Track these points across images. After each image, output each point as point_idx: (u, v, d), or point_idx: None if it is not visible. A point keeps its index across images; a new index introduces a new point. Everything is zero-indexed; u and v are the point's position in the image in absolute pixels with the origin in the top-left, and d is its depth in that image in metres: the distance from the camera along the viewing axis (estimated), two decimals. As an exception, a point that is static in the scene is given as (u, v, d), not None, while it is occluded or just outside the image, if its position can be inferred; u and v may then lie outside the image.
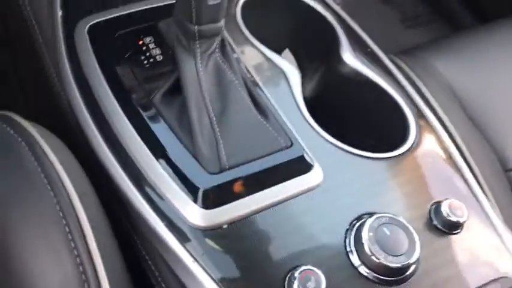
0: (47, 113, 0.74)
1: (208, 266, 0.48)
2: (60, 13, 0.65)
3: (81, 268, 0.48)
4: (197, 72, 0.56)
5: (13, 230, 0.50)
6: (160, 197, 0.52)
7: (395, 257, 0.49)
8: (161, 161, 0.53)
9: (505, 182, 0.82)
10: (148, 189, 0.52)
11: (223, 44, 0.59)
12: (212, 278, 0.48)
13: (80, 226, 0.50)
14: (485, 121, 0.81)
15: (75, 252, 0.49)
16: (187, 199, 0.51)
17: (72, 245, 0.49)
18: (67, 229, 0.49)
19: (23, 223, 0.50)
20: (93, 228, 0.50)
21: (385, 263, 0.49)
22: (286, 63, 0.65)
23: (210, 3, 0.52)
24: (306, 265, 0.48)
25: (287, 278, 0.48)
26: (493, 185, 0.76)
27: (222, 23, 0.56)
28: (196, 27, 0.54)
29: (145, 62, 0.60)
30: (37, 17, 0.69)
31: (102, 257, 0.49)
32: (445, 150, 0.65)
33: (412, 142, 0.62)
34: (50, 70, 0.68)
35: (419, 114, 0.67)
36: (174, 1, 0.62)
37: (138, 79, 0.59)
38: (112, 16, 0.63)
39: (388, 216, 0.52)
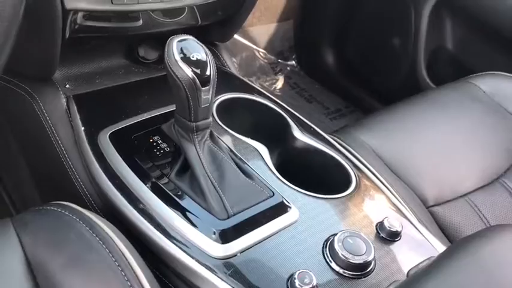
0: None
1: (233, 282, 0.67)
2: (82, 128, 0.87)
3: None
4: (198, 155, 0.78)
5: (82, 282, 0.66)
6: (188, 242, 0.71)
7: (359, 256, 0.71)
8: (184, 216, 0.73)
9: (429, 216, 1.06)
10: (177, 239, 0.71)
11: (211, 134, 0.82)
12: (237, 290, 0.67)
13: (134, 273, 0.67)
14: (404, 171, 1.07)
15: None
16: (208, 240, 0.70)
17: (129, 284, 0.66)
18: (123, 273, 0.66)
19: (89, 277, 0.66)
20: (143, 272, 0.67)
21: (353, 261, 0.70)
22: (256, 143, 0.90)
23: (202, 106, 0.77)
24: (300, 269, 0.68)
25: (289, 279, 0.68)
26: (419, 217, 1.00)
27: (210, 119, 0.79)
28: (193, 123, 0.77)
29: (158, 153, 0.82)
30: (57, 130, 0.89)
31: None
32: (378, 190, 0.89)
33: (354, 186, 0.86)
34: (71, 171, 0.87)
35: (356, 169, 0.92)
36: (169, 110, 0.87)
37: (155, 165, 0.80)
38: (126, 125, 0.86)
39: (349, 231, 0.74)
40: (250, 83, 1.10)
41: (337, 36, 1.92)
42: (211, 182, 0.76)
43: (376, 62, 1.83)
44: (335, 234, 0.74)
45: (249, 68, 1.98)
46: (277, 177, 0.83)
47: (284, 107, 1.01)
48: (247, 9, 1.09)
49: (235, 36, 1.72)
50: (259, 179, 0.81)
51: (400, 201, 0.90)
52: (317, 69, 2.05)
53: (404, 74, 1.73)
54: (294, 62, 2.09)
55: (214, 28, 1.11)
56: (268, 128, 0.96)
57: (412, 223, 0.83)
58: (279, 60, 2.07)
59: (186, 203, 0.75)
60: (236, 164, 0.81)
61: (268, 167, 0.85)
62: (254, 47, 2.01)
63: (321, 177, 0.92)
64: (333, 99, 2.00)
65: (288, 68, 2.08)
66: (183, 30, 0.95)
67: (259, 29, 1.98)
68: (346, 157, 0.94)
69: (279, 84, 2.02)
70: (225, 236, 0.71)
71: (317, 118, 1.91)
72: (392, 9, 1.73)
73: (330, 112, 1.96)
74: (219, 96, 0.96)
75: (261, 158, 0.86)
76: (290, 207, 0.78)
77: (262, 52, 2.03)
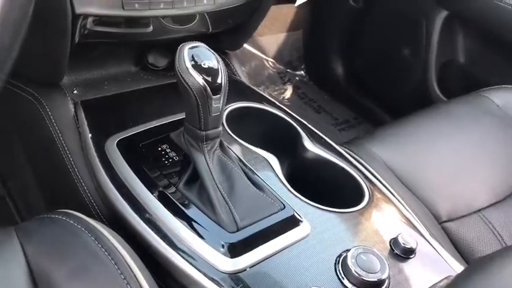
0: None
1: (242, 298, 0.65)
2: (90, 135, 0.85)
3: None
4: (207, 165, 0.76)
5: None
6: (196, 255, 0.68)
7: (373, 274, 0.68)
8: (192, 228, 0.71)
9: (442, 231, 1.04)
10: (185, 251, 0.69)
11: (221, 143, 0.80)
12: (246, 306, 0.64)
13: (139, 285, 0.64)
14: (416, 185, 1.05)
15: None
16: (217, 253, 0.68)
17: None
18: (128, 286, 0.64)
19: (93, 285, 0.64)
20: (149, 285, 0.65)
21: (366, 279, 0.68)
22: (266, 153, 0.87)
23: (213, 115, 0.75)
24: (311, 286, 0.66)
25: (300, 297, 0.65)
26: (432, 233, 0.97)
27: (220, 128, 0.77)
28: (203, 132, 0.75)
29: (166, 162, 0.80)
30: (64, 137, 0.87)
31: None
32: (391, 204, 0.87)
33: (367, 200, 0.84)
34: (77, 178, 0.85)
35: (368, 181, 0.89)
36: (178, 118, 0.85)
37: (163, 175, 0.78)
38: (134, 132, 0.84)
39: (363, 247, 0.71)
40: (261, 92, 1.08)
41: (347, 47, 1.90)
42: (221, 193, 0.74)
43: (386, 73, 1.81)
44: (348, 250, 0.71)
45: (257, 77, 1.96)
46: (288, 189, 0.81)
47: (295, 117, 0.99)
48: (258, 18, 1.08)
49: (245, 45, 1.71)
50: (269, 190, 0.78)
51: (413, 217, 0.87)
52: (326, 80, 2.03)
53: (415, 86, 1.71)
54: (302, 72, 2.07)
55: (225, 36, 1.10)
56: (279, 138, 0.94)
57: (426, 239, 0.80)
58: (288, 70, 2.06)
59: (194, 214, 0.73)
60: (246, 174, 0.79)
61: (279, 178, 0.82)
62: (263, 56, 2.00)
63: (332, 189, 0.89)
64: (342, 110, 1.98)
65: (297, 78, 2.07)
66: (193, 38, 0.94)
67: (269, 39, 1.97)
68: (358, 169, 0.91)
69: (287, 94, 2.01)
70: (234, 250, 0.69)
71: (325, 128, 1.89)
72: (403, 21, 1.71)
73: (338, 123, 1.94)
74: (229, 105, 0.94)
75: (271, 169, 0.84)
76: (301, 221, 0.75)
77: (271, 61, 2.02)
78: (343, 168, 0.89)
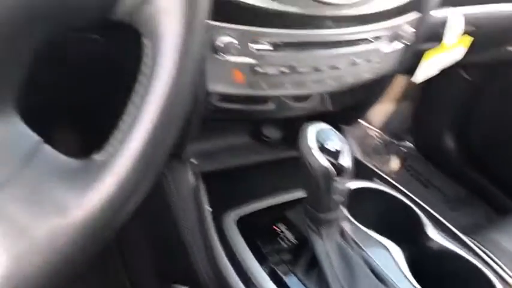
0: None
1: None
2: (210, 210, 0.86)
3: None
4: (327, 251, 0.73)
5: None
6: None
7: None
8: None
9: None
10: None
11: (341, 228, 0.77)
12: None
13: None
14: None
15: None
16: None
17: None
18: None
19: None
20: None
21: None
22: (386, 240, 0.83)
23: (335, 198, 0.72)
24: None
25: None
26: None
27: (340, 211, 0.75)
28: (324, 215, 0.73)
29: (284, 244, 0.78)
30: (184, 208, 0.89)
31: None
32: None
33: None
34: (192, 251, 0.86)
35: (500, 279, 0.80)
36: (296, 196, 0.84)
37: (279, 257, 0.76)
38: (252, 210, 0.84)
39: None
40: (376, 170, 1.04)
41: (460, 121, 1.81)
42: (341, 284, 0.70)
43: (504, 151, 1.69)
44: None
45: (362, 147, 1.92)
46: (412, 284, 0.75)
47: (414, 199, 0.94)
48: (377, 95, 1.06)
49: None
50: (392, 284, 0.73)
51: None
52: (435, 153, 1.94)
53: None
54: (410, 144, 2.00)
55: (342, 112, 1.09)
56: (398, 223, 0.89)
57: None
58: (394, 141, 2.00)
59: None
60: (367, 264, 0.74)
61: (402, 271, 0.77)
62: (369, 126, 1.96)
63: (459, 285, 0.82)
64: (452, 186, 1.87)
65: (403, 150, 2.00)
66: (310, 115, 0.94)
67: (376, 109, 1.94)
68: (489, 265, 0.83)
69: (393, 165, 1.94)
70: None
71: (434, 205, 1.78)
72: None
73: (448, 200, 1.83)
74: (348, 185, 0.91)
75: (393, 259, 0.79)
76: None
77: (378, 132, 1.98)
78: (471, 263, 0.82)
